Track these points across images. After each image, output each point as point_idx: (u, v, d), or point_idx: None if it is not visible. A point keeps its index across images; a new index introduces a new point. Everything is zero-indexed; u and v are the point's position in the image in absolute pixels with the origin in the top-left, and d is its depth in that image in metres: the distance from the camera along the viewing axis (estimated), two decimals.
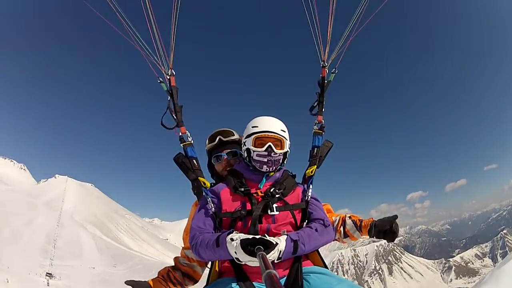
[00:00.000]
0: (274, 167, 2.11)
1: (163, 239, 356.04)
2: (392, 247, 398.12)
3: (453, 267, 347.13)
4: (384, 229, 2.22)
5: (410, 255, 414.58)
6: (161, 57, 2.34)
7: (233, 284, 1.76)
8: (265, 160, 2.07)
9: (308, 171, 2.28)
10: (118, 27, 2.31)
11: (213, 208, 2.04)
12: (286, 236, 1.78)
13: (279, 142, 2.09)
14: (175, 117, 2.34)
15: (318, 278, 1.78)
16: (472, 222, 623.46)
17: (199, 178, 2.24)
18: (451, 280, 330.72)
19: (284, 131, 2.14)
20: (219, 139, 2.52)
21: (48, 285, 69.42)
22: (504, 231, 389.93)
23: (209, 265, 2.22)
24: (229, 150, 2.51)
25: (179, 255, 2.50)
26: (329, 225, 2.03)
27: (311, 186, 2.18)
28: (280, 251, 1.68)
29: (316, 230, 1.93)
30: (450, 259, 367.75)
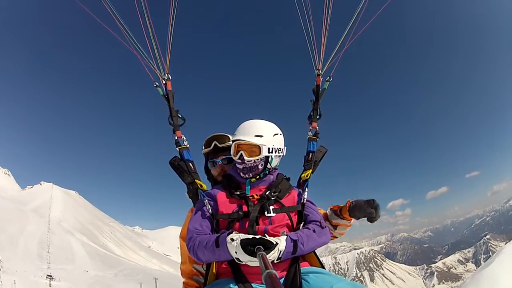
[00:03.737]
0: (250, 174, 2.10)
1: (146, 247, 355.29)
2: (373, 254, 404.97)
3: (435, 272, 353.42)
4: (361, 206, 2.28)
5: (392, 261, 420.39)
6: (157, 62, 2.29)
7: (232, 285, 1.76)
8: (241, 167, 2.08)
9: (303, 175, 2.28)
10: (113, 29, 2.26)
11: (210, 210, 2.03)
12: (286, 236, 1.80)
13: (255, 148, 2.05)
14: (171, 122, 2.32)
15: (317, 278, 1.80)
16: (454, 228, 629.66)
17: (196, 180, 2.23)
18: (433, 285, 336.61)
19: (261, 136, 2.07)
20: (215, 145, 2.50)
21: (50, 286, 75.87)
22: (488, 236, 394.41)
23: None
24: (224, 157, 2.48)
25: (187, 279, 2.41)
26: (325, 226, 2.06)
27: (306, 190, 2.19)
28: (280, 251, 1.69)
29: (314, 231, 1.96)
30: (432, 265, 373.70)
